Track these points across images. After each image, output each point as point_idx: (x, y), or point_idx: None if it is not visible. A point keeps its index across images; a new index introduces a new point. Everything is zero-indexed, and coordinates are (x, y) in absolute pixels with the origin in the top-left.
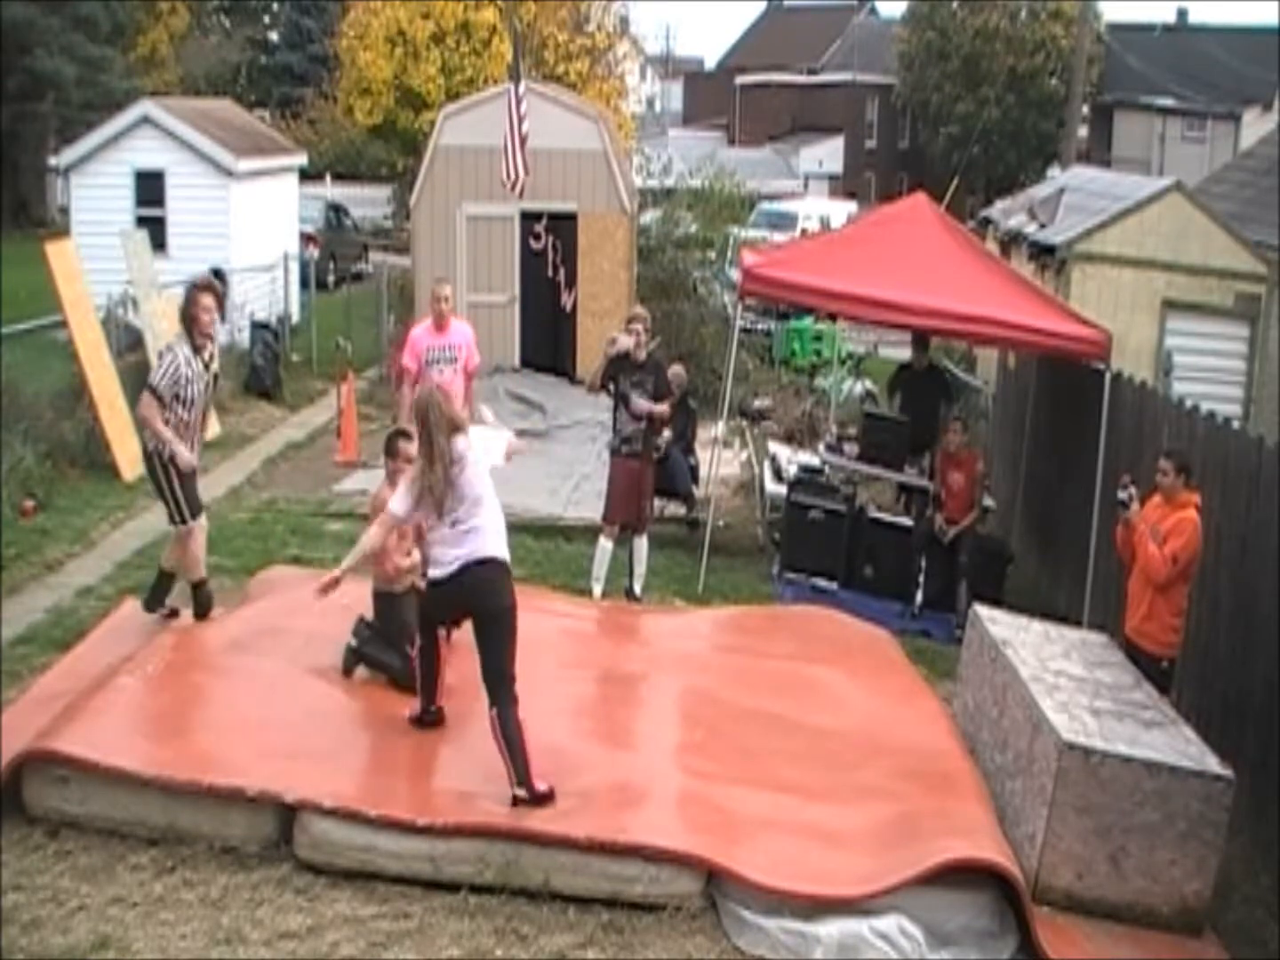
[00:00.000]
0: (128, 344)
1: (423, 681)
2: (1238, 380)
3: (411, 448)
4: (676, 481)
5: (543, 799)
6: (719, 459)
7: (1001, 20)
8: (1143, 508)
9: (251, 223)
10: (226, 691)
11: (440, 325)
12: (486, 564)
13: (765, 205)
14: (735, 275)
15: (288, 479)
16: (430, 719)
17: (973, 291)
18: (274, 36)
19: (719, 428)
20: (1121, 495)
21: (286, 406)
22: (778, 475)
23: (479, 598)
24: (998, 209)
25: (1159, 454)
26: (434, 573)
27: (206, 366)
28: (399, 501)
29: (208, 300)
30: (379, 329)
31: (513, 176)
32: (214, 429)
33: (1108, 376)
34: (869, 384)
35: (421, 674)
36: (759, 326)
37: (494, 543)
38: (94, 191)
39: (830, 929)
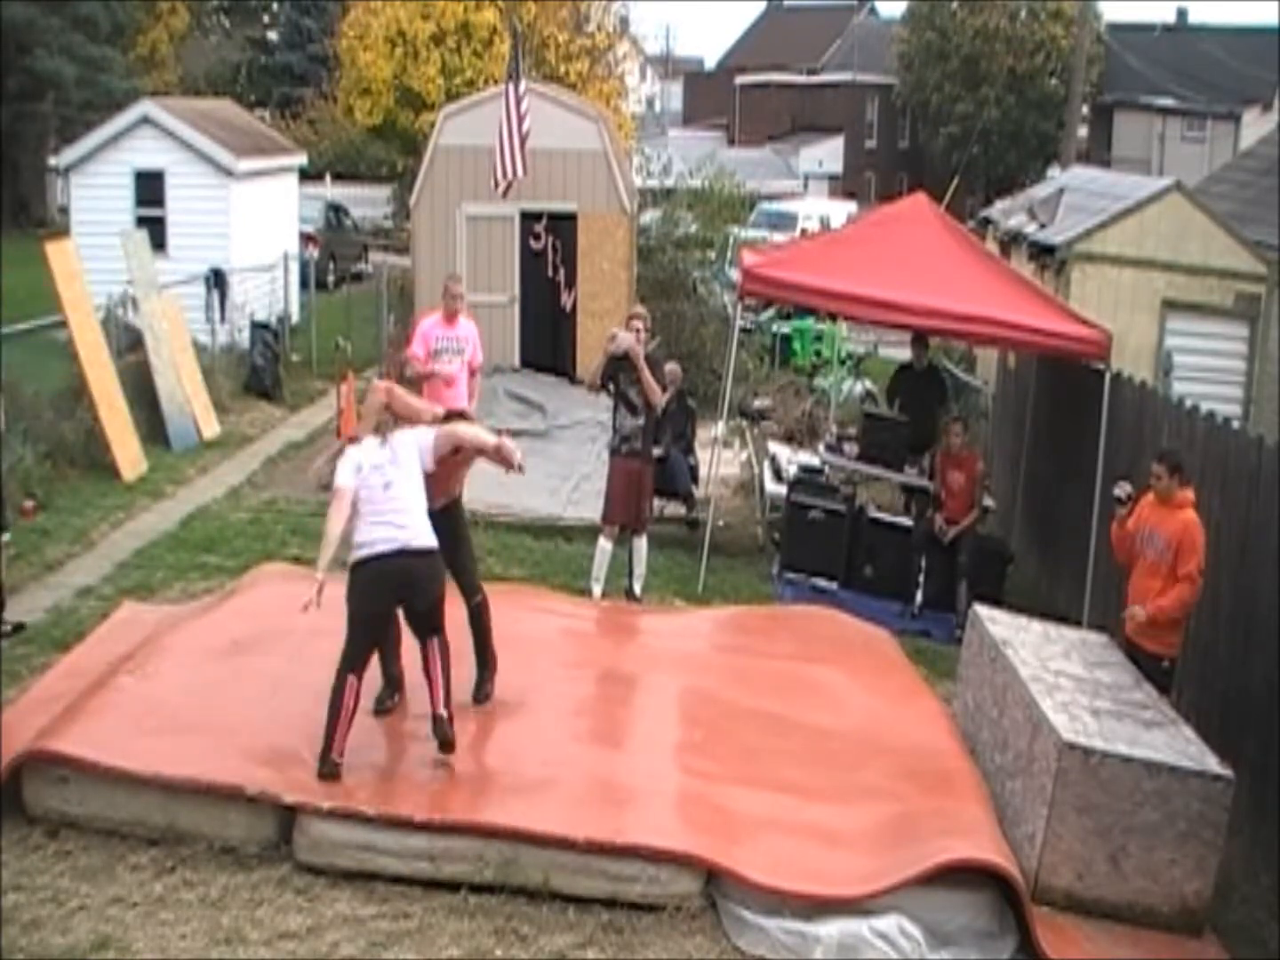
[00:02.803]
0: (128, 344)
1: (330, 719)
2: (1238, 380)
3: None
4: (676, 481)
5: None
6: (719, 459)
7: (1001, 20)
8: (1136, 506)
9: (251, 223)
10: (226, 691)
11: (450, 318)
12: (429, 554)
13: (765, 205)
14: (735, 275)
15: (288, 479)
16: (328, 771)
17: (973, 291)
18: (274, 36)
19: (719, 428)
20: (1118, 492)
21: (286, 406)
22: (778, 475)
23: (423, 586)
24: (998, 209)
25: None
26: (361, 553)
27: None
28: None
29: None
30: (379, 329)
31: (507, 177)
32: (214, 429)
33: (1108, 376)
34: (869, 384)
35: (332, 711)
36: (762, 318)
37: (429, 533)
38: (94, 191)
39: (830, 929)
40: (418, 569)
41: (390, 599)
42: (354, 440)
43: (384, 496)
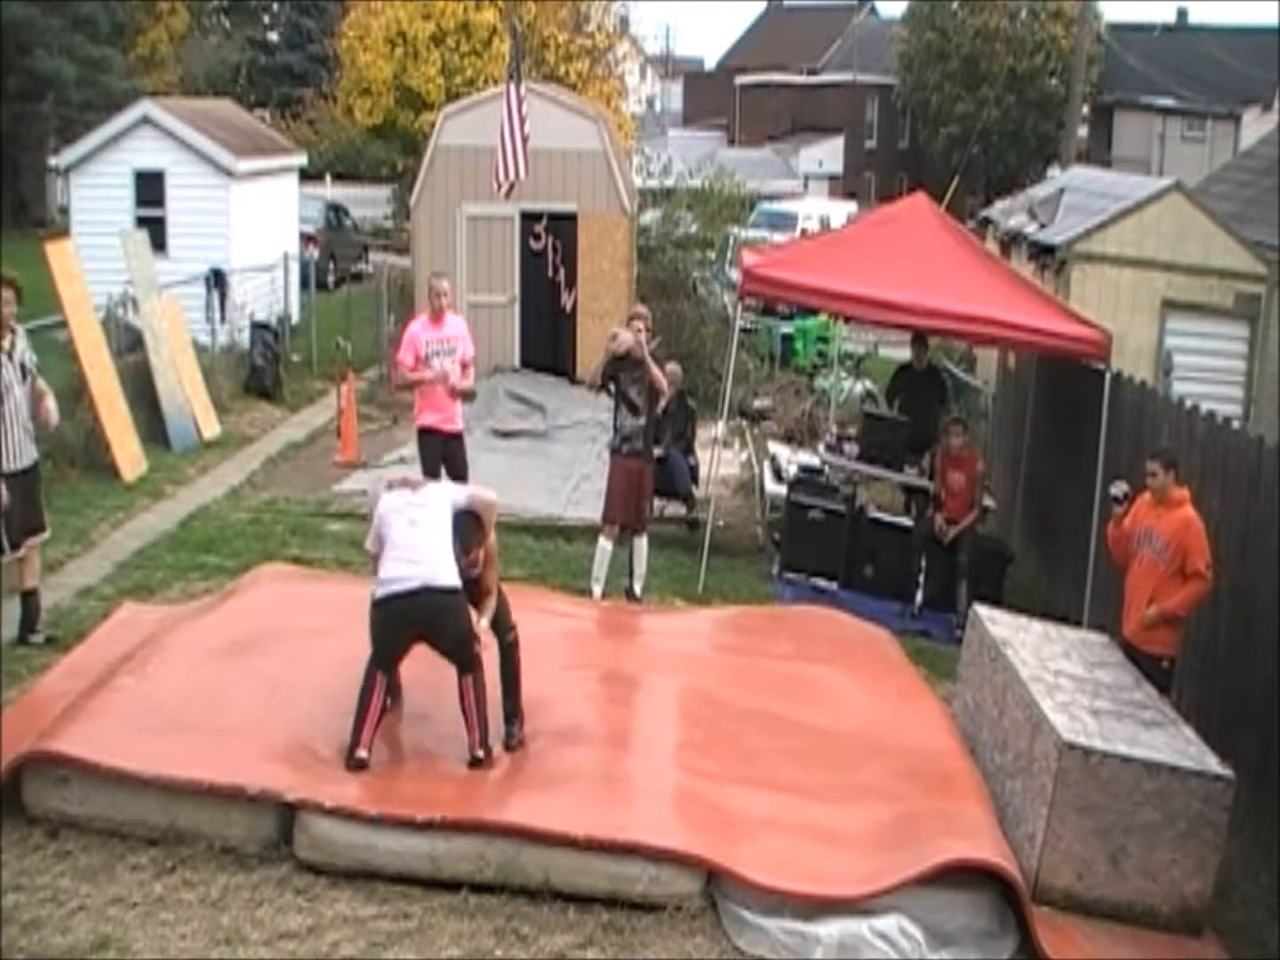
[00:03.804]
0: (128, 344)
1: (359, 713)
2: (1238, 380)
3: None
4: (676, 481)
5: (491, 759)
6: (719, 459)
7: (1001, 20)
8: (1132, 507)
9: (251, 223)
10: (226, 691)
11: (437, 318)
12: (451, 592)
13: (765, 205)
14: (735, 275)
15: (288, 479)
16: (355, 764)
17: (973, 291)
18: (274, 36)
19: (719, 428)
20: (1114, 491)
21: (286, 406)
22: (778, 475)
23: (443, 623)
24: (998, 209)
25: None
26: (382, 590)
27: (9, 356)
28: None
29: (8, 294)
30: (379, 329)
31: (508, 178)
32: (214, 429)
33: (1108, 376)
34: (869, 384)
35: (360, 706)
36: (761, 325)
37: (452, 573)
38: (94, 191)
39: (830, 929)
40: (438, 607)
41: (411, 635)
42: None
43: (409, 533)
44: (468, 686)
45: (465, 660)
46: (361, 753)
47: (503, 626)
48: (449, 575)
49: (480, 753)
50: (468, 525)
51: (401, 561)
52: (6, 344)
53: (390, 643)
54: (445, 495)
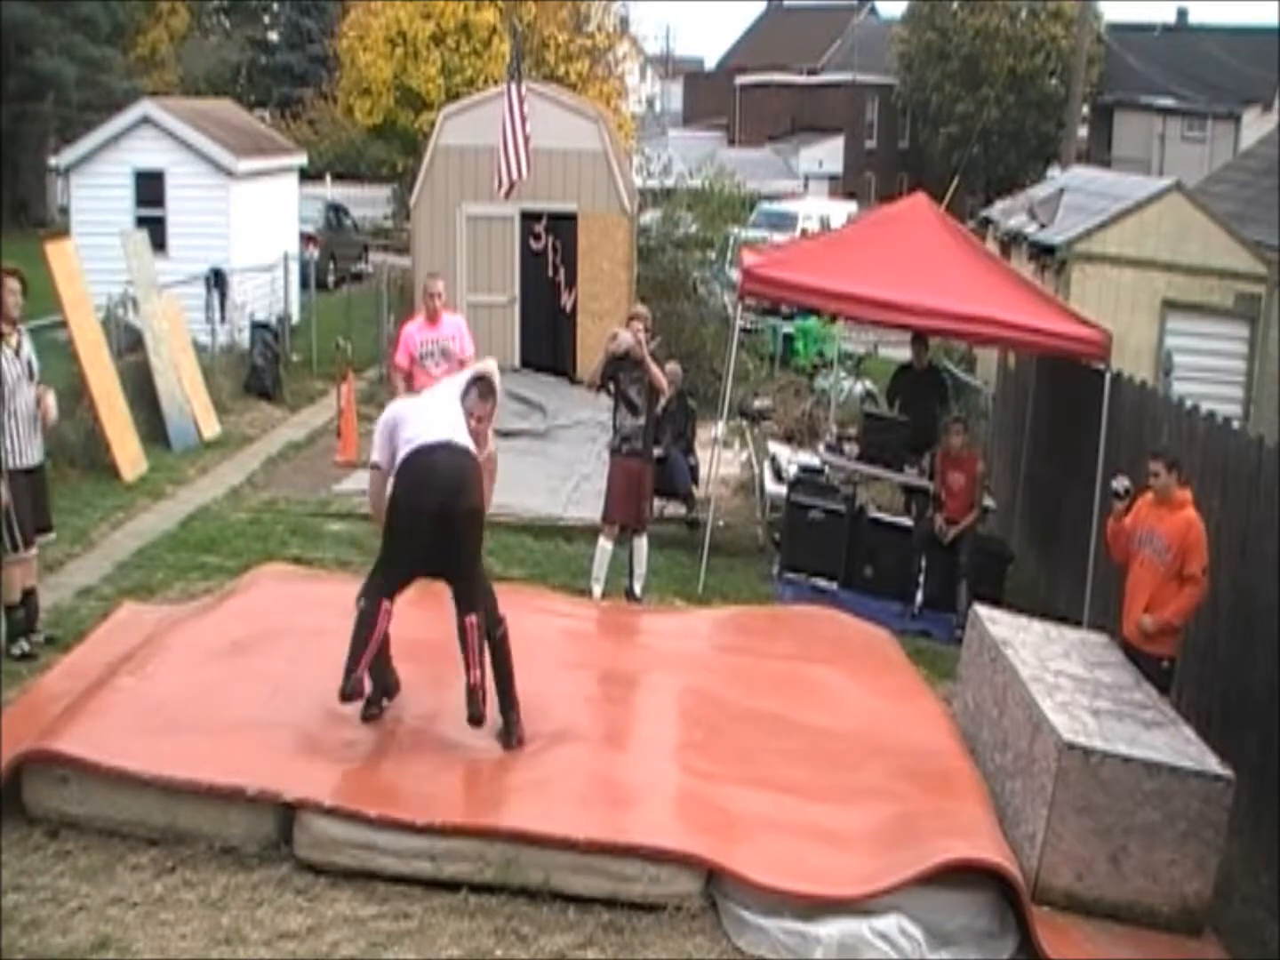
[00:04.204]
0: (128, 344)
1: (355, 639)
2: (1238, 380)
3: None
4: (676, 481)
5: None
6: (719, 459)
7: (1001, 20)
8: (1133, 506)
9: (251, 223)
10: (226, 691)
11: (432, 319)
12: (470, 454)
13: (765, 205)
14: (735, 275)
15: (288, 479)
16: (350, 689)
17: (973, 291)
18: (274, 36)
19: (719, 428)
20: (1116, 486)
21: (286, 406)
22: (778, 475)
23: (466, 481)
24: (998, 209)
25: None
26: (409, 446)
27: (17, 353)
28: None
29: (13, 284)
30: (379, 329)
31: (509, 178)
32: (214, 429)
33: (1108, 377)
34: (869, 384)
35: (361, 631)
36: (761, 325)
37: (469, 442)
38: (94, 191)
39: (830, 929)
40: (460, 467)
41: (434, 493)
42: None
43: (425, 411)
44: (470, 625)
45: (471, 570)
46: (360, 674)
47: (491, 620)
48: (468, 442)
49: (476, 678)
50: (480, 384)
51: (423, 425)
52: (14, 341)
53: (411, 513)
54: (449, 383)
